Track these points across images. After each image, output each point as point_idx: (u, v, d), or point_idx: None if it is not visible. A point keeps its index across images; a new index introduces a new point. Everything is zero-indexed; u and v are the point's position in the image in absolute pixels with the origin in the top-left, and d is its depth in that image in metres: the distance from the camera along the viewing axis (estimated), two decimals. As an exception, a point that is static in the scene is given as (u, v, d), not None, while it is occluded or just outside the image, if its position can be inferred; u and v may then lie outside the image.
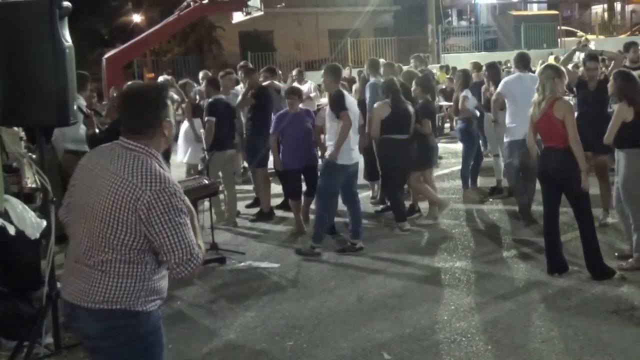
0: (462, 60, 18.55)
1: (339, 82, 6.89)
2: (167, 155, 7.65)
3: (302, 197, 7.61)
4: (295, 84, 10.73)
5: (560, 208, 5.82)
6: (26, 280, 4.94)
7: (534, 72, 8.01)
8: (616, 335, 4.54)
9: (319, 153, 7.99)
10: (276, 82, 9.48)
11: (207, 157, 7.25)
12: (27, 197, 6.42)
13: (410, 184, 7.91)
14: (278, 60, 23.50)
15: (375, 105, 7.54)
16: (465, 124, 8.57)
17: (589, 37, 26.27)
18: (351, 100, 6.91)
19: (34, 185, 6.63)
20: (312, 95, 11.75)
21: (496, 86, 8.14)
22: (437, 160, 9.04)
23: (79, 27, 22.88)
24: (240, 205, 8.69)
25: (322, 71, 7.29)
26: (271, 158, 8.12)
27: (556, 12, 30.81)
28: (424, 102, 7.75)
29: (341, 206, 7.17)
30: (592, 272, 5.62)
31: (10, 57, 4.28)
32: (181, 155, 9.10)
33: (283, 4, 25.83)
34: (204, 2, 16.40)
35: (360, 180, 7.86)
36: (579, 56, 21.24)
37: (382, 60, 9.59)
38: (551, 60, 16.07)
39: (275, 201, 8.64)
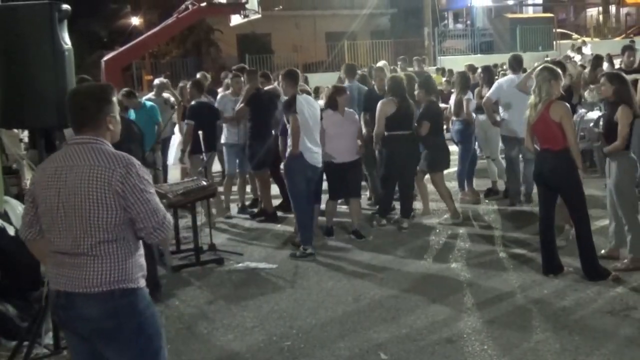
0: (459, 63, 18.61)
1: (296, 87, 6.90)
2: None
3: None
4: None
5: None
6: (26, 281, 4.97)
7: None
8: (611, 336, 4.57)
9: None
10: (278, 87, 9.52)
11: (204, 158, 7.29)
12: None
13: (417, 184, 7.97)
14: (276, 63, 23.55)
15: (380, 102, 7.56)
16: (463, 126, 8.60)
17: (585, 39, 26.46)
18: (313, 106, 6.92)
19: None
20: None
21: (489, 88, 8.24)
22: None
23: (78, 30, 22.89)
24: (237, 207, 8.80)
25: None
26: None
27: (551, 15, 30.93)
28: (428, 103, 7.75)
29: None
30: (587, 273, 5.65)
31: (10, 60, 4.31)
32: (171, 158, 9.15)
33: (280, 7, 25.91)
34: (202, 5, 16.43)
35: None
36: (575, 56, 21.36)
37: (383, 62, 9.69)
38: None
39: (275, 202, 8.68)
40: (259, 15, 17.25)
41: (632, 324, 4.73)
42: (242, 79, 8.95)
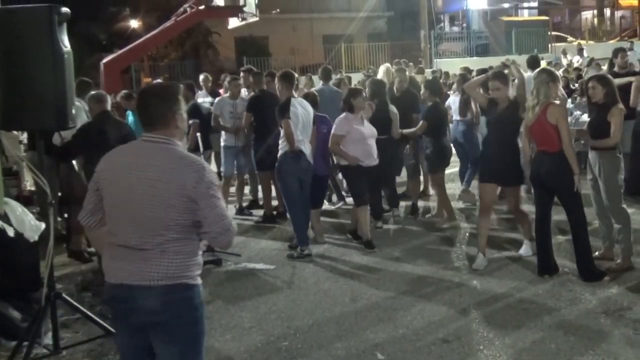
0: (455, 65, 18.69)
1: (292, 89, 6.93)
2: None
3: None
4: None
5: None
6: (25, 282, 4.99)
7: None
8: (606, 336, 4.60)
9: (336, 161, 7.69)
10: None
11: (202, 157, 7.34)
12: (26, 200, 6.47)
13: (434, 185, 8.06)
14: (273, 65, 23.55)
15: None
16: (466, 126, 8.64)
17: (581, 42, 26.56)
18: (306, 109, 6.92)
19: (33, 188, 6.67)
20: None
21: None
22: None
23: (77, 33, 22.91)
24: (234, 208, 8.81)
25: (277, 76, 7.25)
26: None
27: (546, 17, 31.02)
28: (432, 104, 7.79)
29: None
30: (582, 273, 5.69)
31: (10, 62, 4.33)
32: None
33: (278, 10, 25.97)
34: (200, 8, 16.48)
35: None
36: (571, 59, 21.44)
37: (386, 65, 9.76)
38: (542, 65, 16.22)
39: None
40: (257, 18, 17.29)
41: (626, 324, 4.76)
42: (240, 82, 8.98)
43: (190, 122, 7.86)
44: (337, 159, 7.43)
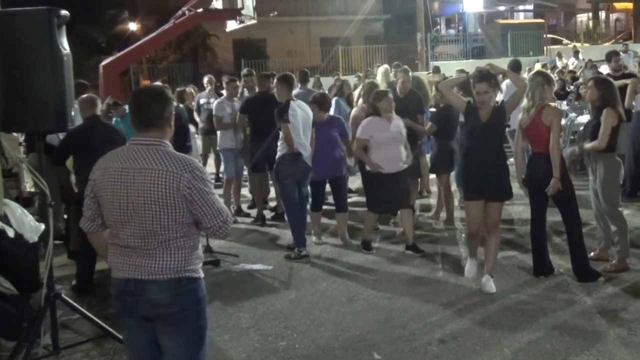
0: (451, 68, 18.70)
1: (291, 92, 6.95)
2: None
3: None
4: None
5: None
6: (25, 282, 5.01)
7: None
8: (601, 336, 4.63)
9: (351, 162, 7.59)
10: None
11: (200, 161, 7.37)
12: (25, 201, 6.49)
13: (441, 186, 7.97)
14: (271, 68, 23.61)
15: (354, 110, 7.69)
16: None
17: (576, 44, 26.67)
18: (306, 112, 6.96)
19: (33, 190, 6.69)
20: None
21: None
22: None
23: (76, 35, 23.04)
24: (232, 209, 8.80)
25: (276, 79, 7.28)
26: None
27: (542, 20, 31.11)
28: (443, 106, 7.69)
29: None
30: (577, 274, 5.72)
31: (9, 64, 4.35)
32: None
33: (276, 13, 26.01)
34: (198, 11, 16.51)
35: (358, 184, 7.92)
36: (567, 62, 21.49)
37: (385, 67, 9.82)
38: (538, 67, 16.33)
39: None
40: (255, 21, 17.32)
41: (621, 324, 4.79)
42: (237, 83, 9.03)
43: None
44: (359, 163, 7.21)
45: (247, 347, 4.78)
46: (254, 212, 8.73)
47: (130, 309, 2.98)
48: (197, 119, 10.58)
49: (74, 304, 4.82)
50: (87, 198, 3.06)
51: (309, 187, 7.21)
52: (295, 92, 8.65)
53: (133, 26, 32.15)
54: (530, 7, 36.15)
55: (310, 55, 27.71)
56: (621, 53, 12.25)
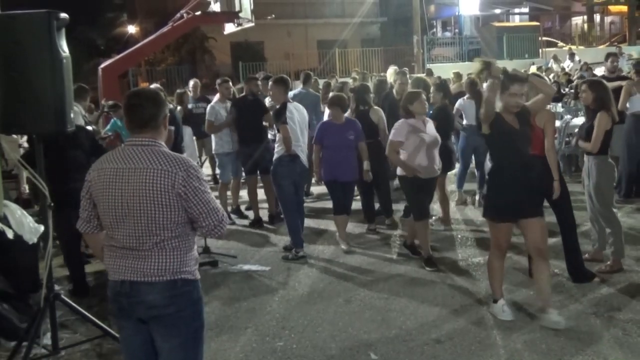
0: (447, 70, 18.77)
1: (287, 94, 6.97)
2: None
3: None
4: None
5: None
6: (25, 283, 5.03)
7: None
8: (596, 336, 4.67)
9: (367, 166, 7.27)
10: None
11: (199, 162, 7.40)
12: (25, 203, 6.51)
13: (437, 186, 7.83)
14: (268, 70, 23.66)
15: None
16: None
17: (572, 47, 26.76)
18: (302, 113, 7.02)
19: (29, 191, 6.71)
20: None
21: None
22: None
23: (76, 38, 23.08)
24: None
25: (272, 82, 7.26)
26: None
27: (537, 23, 31.21)
28: (440, 106, 7.66)
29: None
30: (572, 275, 5.76)
31: (9, 67, 4.34)
32: None
33: (273, 16, 25.98)
34: (196, 14, 16.53)
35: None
36: (563, 65, 21.54)
37: (393, 67, 9.89)
38: (533, 70, 16.40)
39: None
40: (252, 24, 17.32)
41: (616, 324, 4.82)
42: (230, 84, 9.08)
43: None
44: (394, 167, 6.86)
45: (244, 347, 4.81)
46: (251, 214, 8.76)
47: (126, 310, 2.99)
48: None
49: (73, 304, 4.84)
50: (83, 199, 3.08)
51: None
52: (296, 91, 8.73)
53: (132, 29, 32.24)
54: (526, 10, 36.30)
55: (308, 58, 27.76)
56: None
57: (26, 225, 4.55)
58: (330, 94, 8.57)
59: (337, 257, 6.92)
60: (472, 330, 4.88)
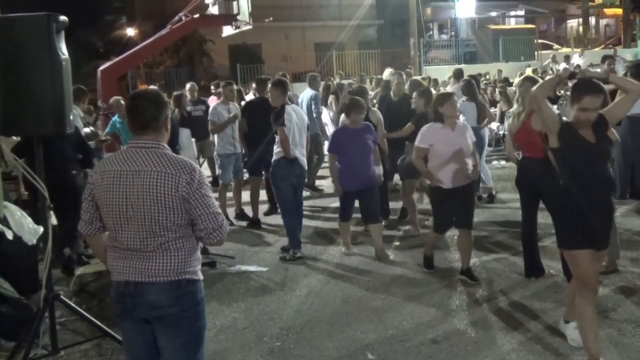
0: (443, 72, 18.88)
1: (285, 96, 6.98)
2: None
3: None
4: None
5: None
6: (25, 283, 5.05)
7: (511, 83, 8.22)
8: (591, 336, 4.72)
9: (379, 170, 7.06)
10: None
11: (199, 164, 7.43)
12: (24, 204, 6.53)
13: (404, 192, 7.93)
14: (266, 72, 23.71)
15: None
16: (480, 132, 8.60)
17: (566, 49, 26.83)
18: (300, 115, 7.07)
19: (27, 192, 6.72)
20: None
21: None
22: None
23: (75, 40, 23.11)
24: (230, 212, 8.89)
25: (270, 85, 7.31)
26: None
27: (533, 26, 31.38)
28: (423, 111, 7.41)
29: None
30: (568, 275, 5.77)
31: (9, 69, 4.38)
32: None
33: (271, 18, 26.10)
34: (195, 16, 16.60)
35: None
36: (554, 66, 21.55)
37: (390, 70, 9.97)
38: (529, 72, 16.45)
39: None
40: (250, 27, 17.36)
41: (611, 324, 4.85)
42: (234, 86, 9.12)
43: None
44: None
45: (242, 347, 4.83)
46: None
47: (130, 311, 3.01)
48: None
49: (73, 304, 4.87)
50: (86, 201, 3.09)
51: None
52: (312, 94, 8.85)
53: (131, 31, 32.35)
54: (522, 12, 36.44)
55: (305, 60, 27.87)
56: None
57: (26, 226, 4.58)
58: (332, 96, 8.66)
59: (334, 258, 6.95)
60: (468, 331, 4.91)
